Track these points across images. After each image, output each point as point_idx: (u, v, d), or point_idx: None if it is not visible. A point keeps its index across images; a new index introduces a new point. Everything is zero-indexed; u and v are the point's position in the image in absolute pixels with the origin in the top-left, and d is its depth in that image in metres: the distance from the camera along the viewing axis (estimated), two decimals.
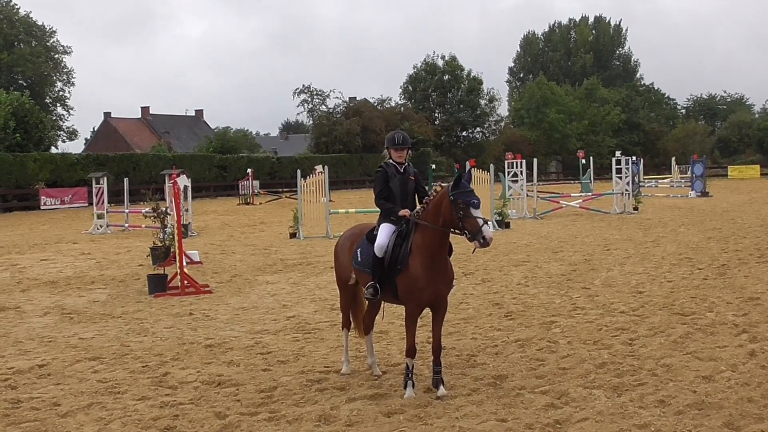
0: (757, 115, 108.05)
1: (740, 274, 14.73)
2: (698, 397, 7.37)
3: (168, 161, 53.59)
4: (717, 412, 6.97)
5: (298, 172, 26.13)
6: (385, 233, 7.89)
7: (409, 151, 8.43)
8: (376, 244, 7.81)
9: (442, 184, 7.92)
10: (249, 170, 51.02)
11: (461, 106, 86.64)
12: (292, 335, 10.64)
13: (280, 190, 57.08)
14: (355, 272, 8.24)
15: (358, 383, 8.22)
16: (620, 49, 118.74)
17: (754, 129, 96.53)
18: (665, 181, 56.60)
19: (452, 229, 7.55)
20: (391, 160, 8.27)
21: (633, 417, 6.92)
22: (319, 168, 25.94)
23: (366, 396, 7.77)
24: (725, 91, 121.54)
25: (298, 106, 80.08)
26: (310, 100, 78.69)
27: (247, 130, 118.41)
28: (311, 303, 13.13)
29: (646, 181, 54.63)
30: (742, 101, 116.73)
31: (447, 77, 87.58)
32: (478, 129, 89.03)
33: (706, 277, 14.41)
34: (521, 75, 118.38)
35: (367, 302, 8.54)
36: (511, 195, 31.25)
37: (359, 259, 8.06)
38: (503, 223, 26.15)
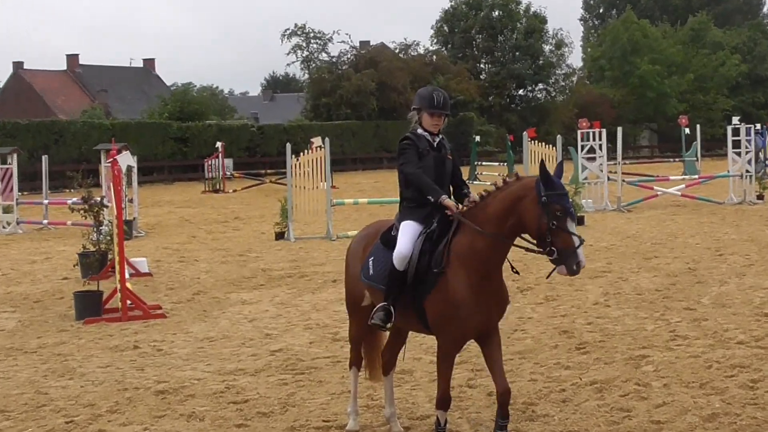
0: None
1: None
2: None
3: (105, 131, 53.84)
4: None
5: (288, 146, 26.11)
6: (408, 235, 7.78)
7: (446, 119, 8.25)
8: (395, 251, 7.71)
9: (518, 174, 7.84)
10: (219, 144, 51.03)
11: (517, 54, 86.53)
12: (277, 377, 10.65)
13: (263, 172, 57.06)
14: (367, 289, 8.19)
15: None
16: None
17: None
18: None
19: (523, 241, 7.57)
20: (421, 130, 8.15)
21: None
22: (317, 141, 25.95)
23: None
24: None
25: (288, 54, 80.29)
26: (305, 45, 78.80)
27: (217, 87, 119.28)
28: (305, 331, 13.15)
29: None
30: None
31: (497, 13, 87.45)
32: (540, 86, 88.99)
33: None
34: (600, 10, 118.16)
35: (385, 332, 8.44)
36: (586, 179, 31.19)
37: (371, 271, 8.01)
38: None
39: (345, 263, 8.68)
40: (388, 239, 7.97)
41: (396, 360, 8.73)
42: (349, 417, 8.63)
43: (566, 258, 7.17)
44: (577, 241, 7.21)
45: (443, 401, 7.75)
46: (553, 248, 7.19)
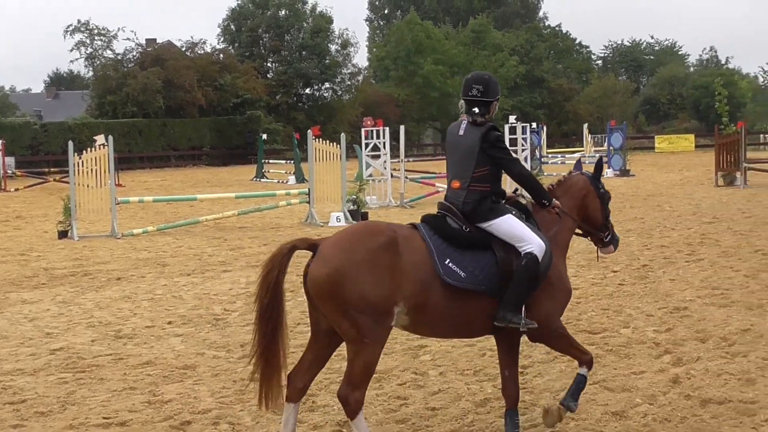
0: (692, 69, 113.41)
1: (665, 278, 15.44)
2: None
3: None
4: None
5: (70, 144, 25.45)
6: (527, 228, 7.61)
7: None
8: (536, 247, 7.45)
9: (563, 175, 8.57)
10: None
11: (304, 53, 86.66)
12: (57, 375, 10.38)
13: (47, 170, 55.54)
14: (457, 294, 7.36)
15: None
16: None
17: (688, 87, 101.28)
18: (576, 155, 58.45)
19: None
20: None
21: None
22: (100, 139, 25.38)
23: None
24: (653, 37, 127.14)
25: (71, 50, 78.36)
26: (89, 42, 77.07)
27: None
28: (87, 329, 12.84)
29: (550, 155, 56.38)
30: (673, 50, 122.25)
31: (284, 13, 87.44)
32: (326, 85, 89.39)
33: (623, 282, 15.01)
34: (385, 11, 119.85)
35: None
36: (370, 176, 31.56)
37: (462, 274, 7.32)
38: (358, 214, 26.40)
39: (341, 285, 6.98)
40: (460, 237, 7.50)
41: (309, 386, 7.74)
42: None
43: (614, 239, 8.53)
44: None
45: (590, 361, 7.95)
46: (609, 235, 8.45)
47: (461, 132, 7.76)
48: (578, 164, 8.71)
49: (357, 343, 7.00)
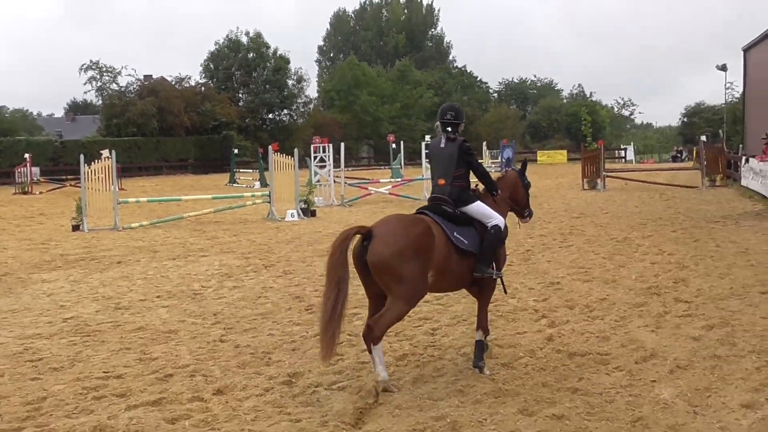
0: (565, 101, 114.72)
1: (543, 260, 15.58)
2: (496, 385, 7.72)
3: None
4: (513, 399, 7.33)
5: (81, 157, 25.04)
6: (489, 209, 8.49)
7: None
8: (500, 221, 8.41)
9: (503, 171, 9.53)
10: (27, 156, 48.44)
11: (267, 86, 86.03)
12: (68, 339, 10.17)
13: (65, 177, 54.65)
14: (460, 256, 8.09)
15: (140, 388, 7.98)
16: (433, 29, 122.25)
17: (562, 114, 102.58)
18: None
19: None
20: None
21: (431, 409, 7.14)
22: (105, 153, 25.01)
23: (148, 402, 7.56)
24: (536, 76, 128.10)
25: (85, 83, 77.06)
26: (99, 77, 75.89)
27: (27, 110, 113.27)
28: (93, 302, 12.61)
29: None
30: (551, 86, 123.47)
31: (252, 55, 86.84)
32: (285, 111, 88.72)
33: (511, 263, 15.03)
34: (331, 54, 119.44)
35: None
36: (318, 181, 31.48)
37: (466, 241, 8.15)
38: (308, 212, 26.29)
39: (404, 260, 7.54)
40: (455, 217, 8.23)
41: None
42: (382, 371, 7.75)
43: (530, 213, 9.47)
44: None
45: (486, 328, 8.60)
46: (528, 211, 9.39)
47: (442, 145, 8.43)
48: (508, 163, 9.64)
49: (399, 300, 7.61)
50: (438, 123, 8.58)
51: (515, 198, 9.16)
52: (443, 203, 8.27)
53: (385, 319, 7.67)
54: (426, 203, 8.54)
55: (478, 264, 8.17)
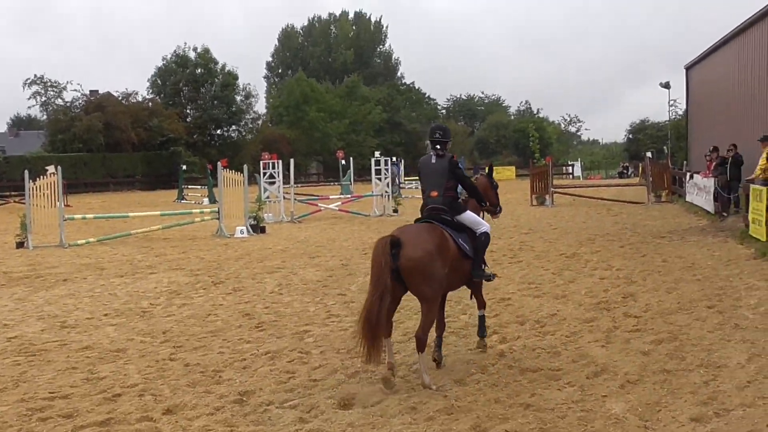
0: (512, 117, 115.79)
1: None
2: (449, 402, 7.71)
3: None
4: (466, 416, 7.33)
5: (26, 173, 24.63)
6: (478, 218, 9.29)
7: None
8: (487, 228, 9.19)
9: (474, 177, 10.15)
10: None
11: (215, 102, 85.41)
12: (12, 358, 9.94)
13: (8, 194, 53.69)
14: (462, 259, 8.88)
15: (88, 409, 7.82)
16: (381, 46, 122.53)
17: (510, 130, 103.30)
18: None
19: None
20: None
21: (384, 426, 7.12)
22: (51, 169, 24.59)
23: (96, 422, 7.41)
24: (483, 93, 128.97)
25: (29, 98, 75.99)
26: (43, 92, 74.82)
27: None
28: (38, 321, 12.36)
29: (407, 182, 56.72)
30: (499, 103, 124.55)
31: (199, 70, 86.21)
32: (233, 127, 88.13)
33: None
34: (279, 71, 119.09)
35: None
36: (267, 197, 31.30)
37: (467, 247, 8.93)
38: (258, 228, 26.11)
39: (433, 260, 8.32)
40: (456, 225, 8.95)
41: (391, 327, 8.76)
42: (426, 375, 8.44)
43: (500, 212, 10.19)
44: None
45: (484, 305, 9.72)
46: (499, 208, 10.13)
47: (433, 161, 9.07)
48: (477, 169, 10.80)
49: (430, 302, 8.29)
50: (428, 141, 9.29)
51: (488, 199, 9.92)
52: (442, 212, 8.94)
53: (425, 326, 8.31)
54: (421, 214, 9.17)
55: (474, 269, 9.03)
